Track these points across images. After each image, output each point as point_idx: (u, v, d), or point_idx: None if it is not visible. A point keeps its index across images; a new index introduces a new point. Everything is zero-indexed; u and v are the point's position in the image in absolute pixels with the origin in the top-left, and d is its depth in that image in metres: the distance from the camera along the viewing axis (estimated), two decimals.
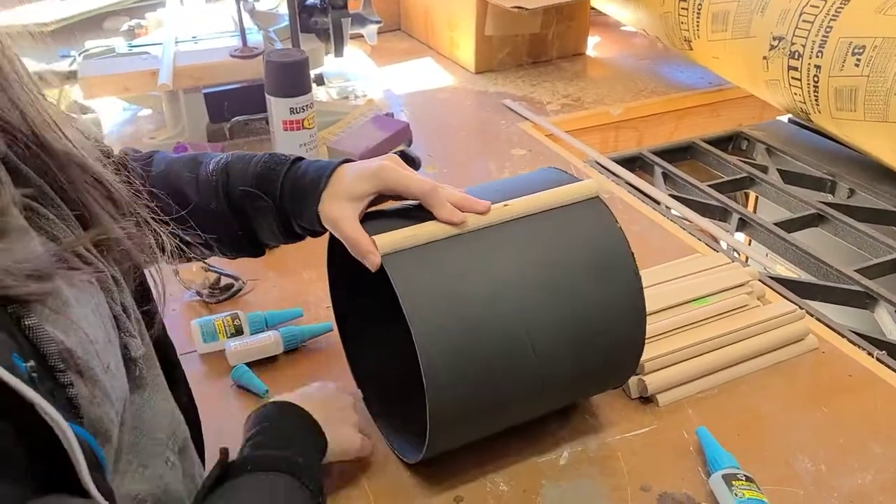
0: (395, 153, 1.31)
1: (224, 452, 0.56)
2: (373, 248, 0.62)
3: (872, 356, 0.86)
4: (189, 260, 0.73)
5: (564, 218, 0.68)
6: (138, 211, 0.51)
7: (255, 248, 0.72)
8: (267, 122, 1.22)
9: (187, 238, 0.66)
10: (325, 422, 0.65)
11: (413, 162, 1.30)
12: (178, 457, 0.53)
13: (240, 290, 0.96)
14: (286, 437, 0.62)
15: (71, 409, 0.38)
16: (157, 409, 0.51)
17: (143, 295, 0.54)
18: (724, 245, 1.13)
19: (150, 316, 0.54)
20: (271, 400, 0.67)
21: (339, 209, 0.64)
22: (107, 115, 1.53)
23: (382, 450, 0.74)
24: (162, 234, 0.52)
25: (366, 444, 0.71)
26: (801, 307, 0.91)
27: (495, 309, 0.62)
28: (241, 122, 1.36)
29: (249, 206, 0.68)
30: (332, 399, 0.70)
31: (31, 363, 0.36)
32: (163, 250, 0.52)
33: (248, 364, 0.84)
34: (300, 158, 0.69)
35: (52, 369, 0.37)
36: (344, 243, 0.64)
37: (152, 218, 0.52)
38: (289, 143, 1.18)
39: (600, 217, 0.69)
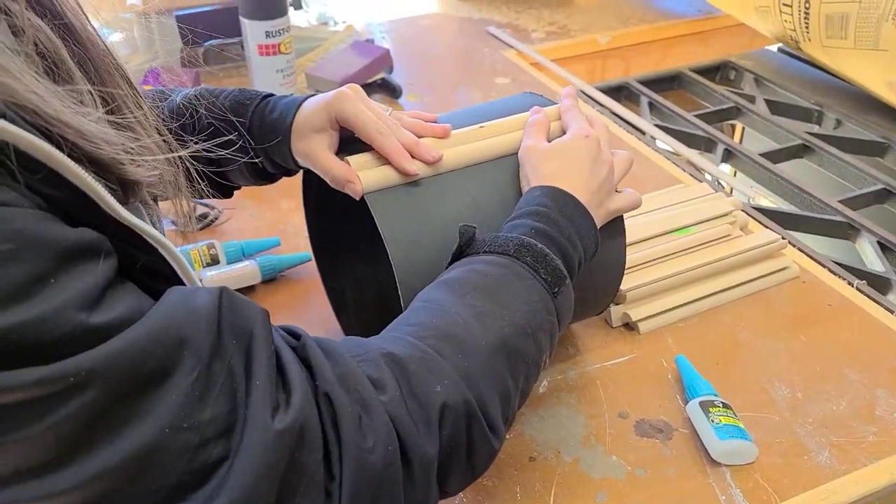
0: (375, 81, 1.28)
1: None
2: (353, 177, 0.60)
3: (852, 286, 0.86)
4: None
5: None
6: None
7: (221, 187, 0.71)
8: (243, 48, 1.18)
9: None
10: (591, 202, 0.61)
11: (394, 90, 1.27)
12: None
13: (216, 219, 0.94)
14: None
15: None
16: None
17: None
18: (708, 176, 1.12)
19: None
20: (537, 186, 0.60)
21: (307, 143, 0.64)
22: None
23: None
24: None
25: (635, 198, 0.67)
26: (783, 237, 0.90)
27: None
28: (216, 46, 1.31)
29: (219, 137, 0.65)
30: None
31: None
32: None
33: None
34: (270, 95, 0.67)
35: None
36: (322, 177, 0.63)
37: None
38: (265, 68, 1.14)
39: None
